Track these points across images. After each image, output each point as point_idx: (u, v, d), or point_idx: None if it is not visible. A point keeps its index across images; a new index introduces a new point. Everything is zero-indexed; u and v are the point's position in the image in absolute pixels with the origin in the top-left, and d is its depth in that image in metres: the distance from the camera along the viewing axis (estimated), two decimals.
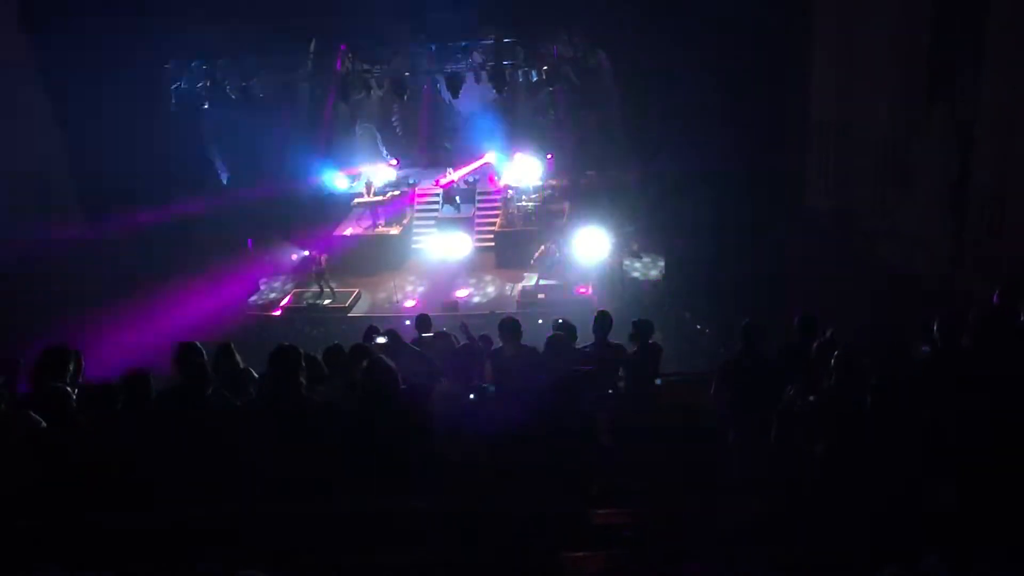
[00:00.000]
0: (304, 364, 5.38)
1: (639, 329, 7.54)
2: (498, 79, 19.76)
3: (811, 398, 5.41)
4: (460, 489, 4.91)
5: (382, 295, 18.15)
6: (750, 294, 14.52)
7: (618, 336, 7.66)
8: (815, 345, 6.39)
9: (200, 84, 19.55)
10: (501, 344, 7.16)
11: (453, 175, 21.24)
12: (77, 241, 17.27)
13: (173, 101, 19.26)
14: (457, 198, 21.34)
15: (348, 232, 20.53)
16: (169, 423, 5.29)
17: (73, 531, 4.61)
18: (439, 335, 7.45)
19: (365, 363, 5.40)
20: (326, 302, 17.73)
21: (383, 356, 5.39)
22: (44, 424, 5.17)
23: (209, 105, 19.75)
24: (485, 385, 5.89)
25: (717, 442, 6.20)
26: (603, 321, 7.48)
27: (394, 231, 20.36)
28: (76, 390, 5.67)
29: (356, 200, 20.89)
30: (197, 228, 17.93)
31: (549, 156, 20.80)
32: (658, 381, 7.67)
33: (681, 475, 5.63)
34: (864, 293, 12.67)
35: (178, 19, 17.11)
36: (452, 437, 5.34)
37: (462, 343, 7.47)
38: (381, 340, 7.09)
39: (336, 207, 21.63)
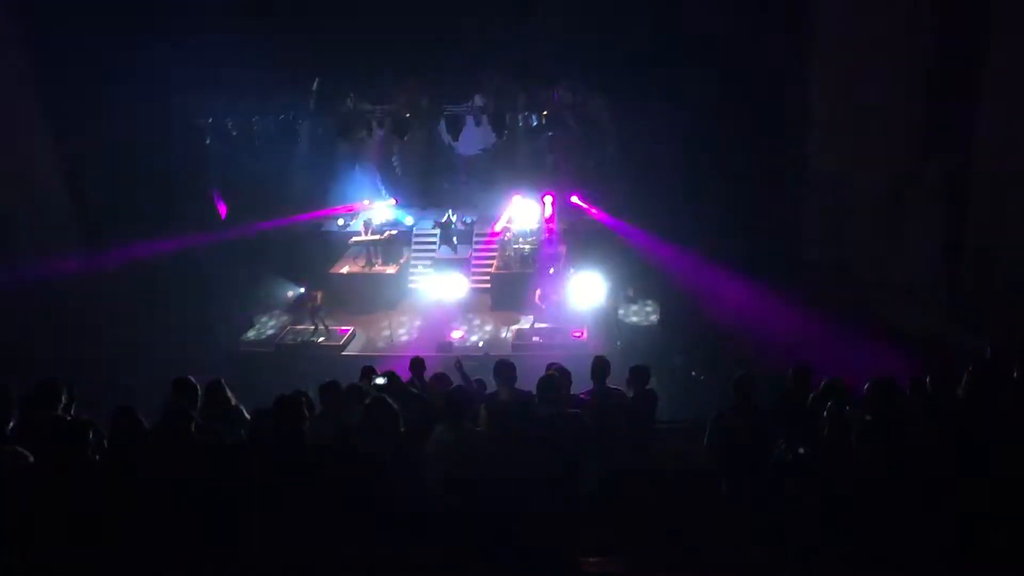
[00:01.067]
0: (307, 413, 5.35)
1: (635, 375, 7.49)
2: (498, 123, 19.93)
3: (801, 451, 5.39)
4: (451, 535, 4.86)
5: (382, 332, 18.08)
6: (744, 343, 14.55)
7: (611, 382, 7.60)
8: (810, 396, 6.39)
9: (202, 120, 19.66)
10: (496, 388, 7.10)
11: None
12: (75, 273, 17.27)
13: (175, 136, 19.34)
14: (455, 239, 21.41)
15: (345, 270, 20.56)
16: (157, 458, 5.25)
17: (60, 567, 4.56)
18: (436, 377, 7.41)
19: (367, 403, 5.37)
20: (320, 339, 17.70)
21: (386, 397, 5.35)
22: (31, 458, 5.12)
23: (211, 140, 19.84)
24: (478, 429, 5.84)
25: (710, 492, 6.15)
26: (601, 366, 7.44)
27: (390, 270, 20.39)
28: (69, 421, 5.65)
29: (354, 238, 20.95)
30: (194, 262, 17.93)
31: (549, 199, 20.80)
32: None
33: (674, 525, 5.58)
34: (858, 345, 12.68)
35: (181, 56, 17.25)
36: (445, 481, 5.28)
37: (456, 384, 7.40)
38: (380, 381, 7.03)
39: (333, 245, 21.72)
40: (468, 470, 5.24)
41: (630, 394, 7.42)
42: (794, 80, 16.61)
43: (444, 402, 5.69)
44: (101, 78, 16.60)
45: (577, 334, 16.98)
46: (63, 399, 6.07)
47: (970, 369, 5.84)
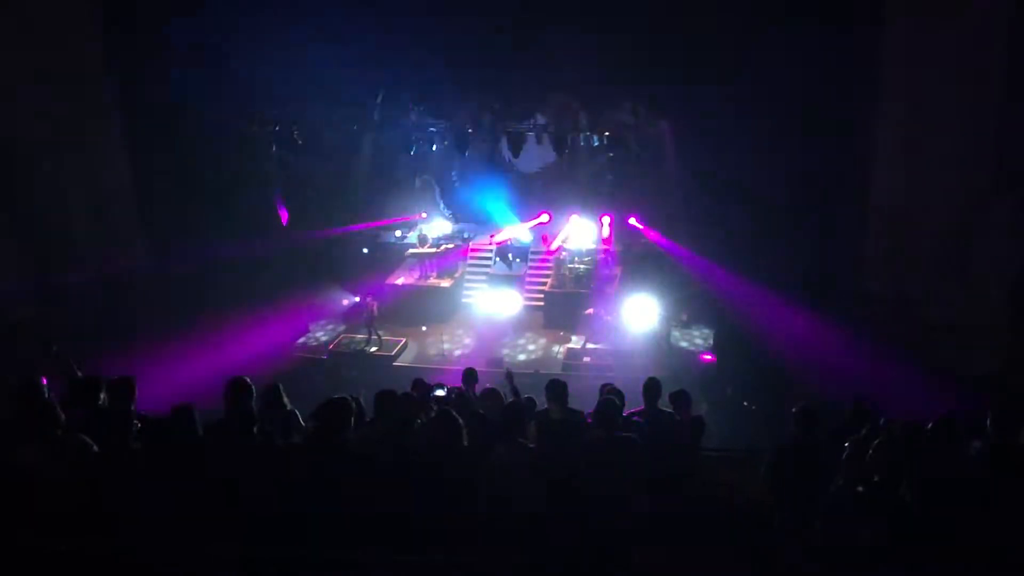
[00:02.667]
0: (354, 418, 5.41)
1: (679, 400, 7.45)
2: (560, 142, 19.98)
3: (859, 488, 5.29)
4: (499, 548, 4.86)
5: (440, 343, 18.17)
6: (798, 374, 14.35)
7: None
8: (864, 433, 6.26)
9: (268, 128, 20.05)
10: (547, 405, 7.09)
11: (509, 232, 21.45)
12: (139, 274, 17.71)
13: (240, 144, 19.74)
14: (510, 255, 21.47)
15: (400, 281, 20.74)
16: (214, 458, 5.35)
17: (110, 557, 4.66)
18: (488, 392, 7.43)
19: (432, 415, 5.40)
20: (373, 349, 17.86)
21: (451, 411, 5.38)
22: (95, 448, 5.26)
23: (276, 149, 20.21)
24: (531, 446, 5.84)
25: (760, 523, 6.06)
26: (653, 388, 7.38)
27: (445, 283, 20.51)
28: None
29: (410, 250, 21.14)
30: (254, 267, 18.27)
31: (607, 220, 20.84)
32: None
33: (724, 554, 5.52)
34: (918, 383, 12.41)
35: (250, 65, 17.66)
36: (495, 497, 5.29)
37: (509, 399, 7.41)
38: (440, 393, 7.06)
39: (390, 256, 21.94)
40: (522, 487, 5.25)
41: (678, 419, 7.37)
42: (860, 109, 16.39)
43: (501, 418, 5.70)
44: (172, 84, 17.09)
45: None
46: (102, 396, 6.20)
47: None
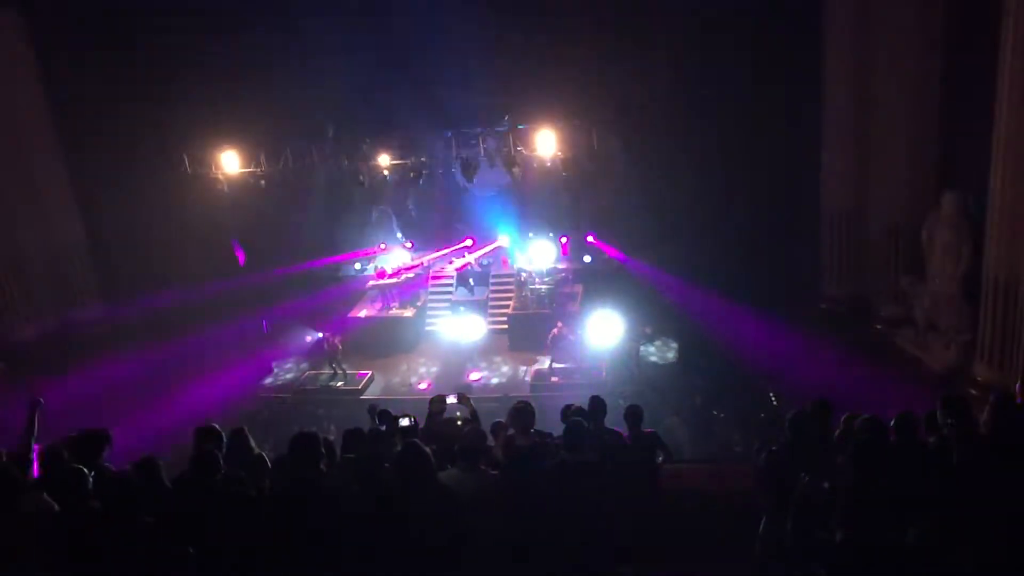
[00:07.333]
0: (324, 451, 5.36)
1: (627, 418, 7.24)
2: (510, 164, 20.02)
3: (825, 485, 5.35)
4: None
5: (396, 379, 18.05)
6: (764, 380, 14.49)
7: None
8: (837, 433, 6.33)
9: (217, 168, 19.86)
10: (512, 430, 7.01)
11: (468, 257, 21.46)
12: (97, 323, 17.49)
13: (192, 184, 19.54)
14: (471, 280, 21.43)
15: (362, 314, 20.62)
16: (182, 509, 5.26)
17: None
18: (445, 420, 7.40)
19: (399, 448, 5.36)
20: (339, 384, 17.72)
21: (417, 442, 5.35)
22: (56, 507, 5.14)
23: (228, 188, 20.03)
24: (493, 472, 5.79)
25: (736, 532, 6.09)
26: (597, 406, 7.11)
27: (408, 313, 20.44)
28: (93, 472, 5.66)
29: (370, 282, 21.04)
30: (213, 310, 18.07)
31: (563, 240, 21.00)
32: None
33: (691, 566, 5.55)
34: (880, 381, 12.58)
35: (199, 106, 17.58)
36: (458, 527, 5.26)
37: (467, 428, 7.35)
38: (405, 423, 7.00)
39: (350, 289, 21.82)
40: (482, 513, 5.22)
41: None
42: (808, 118, 16.70)
43: (459, 445, 5.67)
44: (120, 130, 16.96)
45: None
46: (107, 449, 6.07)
47: (991, 402, 5.76)
